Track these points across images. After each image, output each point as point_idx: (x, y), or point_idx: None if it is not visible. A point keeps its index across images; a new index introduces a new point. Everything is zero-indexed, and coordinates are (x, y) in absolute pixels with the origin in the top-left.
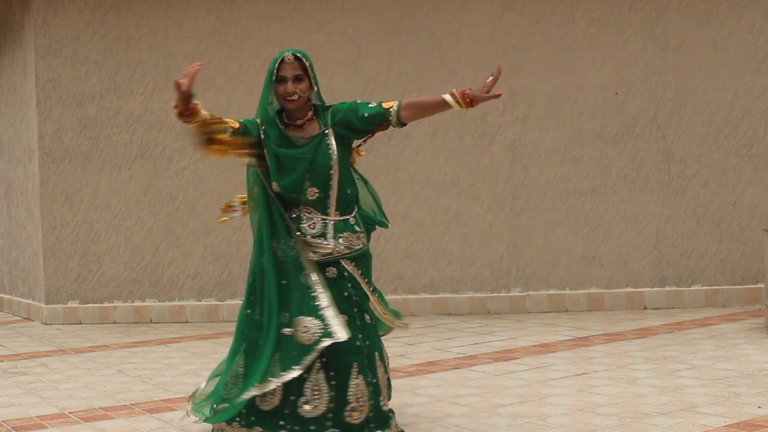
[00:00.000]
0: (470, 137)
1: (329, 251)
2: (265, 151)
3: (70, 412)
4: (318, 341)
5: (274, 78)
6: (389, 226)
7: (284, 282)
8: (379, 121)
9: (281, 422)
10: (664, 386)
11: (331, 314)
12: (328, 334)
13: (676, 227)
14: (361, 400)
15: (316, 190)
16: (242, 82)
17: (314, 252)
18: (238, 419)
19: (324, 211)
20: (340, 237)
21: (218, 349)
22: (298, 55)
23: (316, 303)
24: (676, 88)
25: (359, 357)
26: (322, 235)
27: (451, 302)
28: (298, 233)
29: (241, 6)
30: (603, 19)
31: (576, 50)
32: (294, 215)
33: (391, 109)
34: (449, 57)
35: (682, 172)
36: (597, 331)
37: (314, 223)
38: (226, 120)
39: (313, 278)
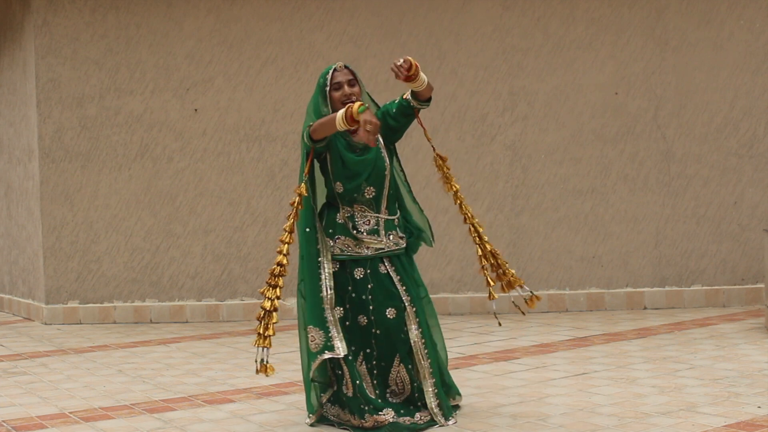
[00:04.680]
0: (470, 137)
1: (381, 246)
2: (329, 153)
3: (70, 412)
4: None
5: (328, 87)
6: (433, 245)
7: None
8: (407, 110)
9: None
10: (664, 386)
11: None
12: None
13: (676, 227)
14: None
15: (373, 190)
16: (242, 82)
17: (367, 248)
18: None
19: (377, 209)
20: (389, 234)
21: (218, 349)
22: (346, 64)
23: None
24: (676, 88)
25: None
26: (376, 232)
27: (451, 302)
28: (354, 231)
29: (241, 6)
30: (603, 19)
31: (576, 50)
32: (348, 214)
33: (404, 96)
34: (449, 57)
35: (682, 172)
36: (597, 331)
37: (368, 220)
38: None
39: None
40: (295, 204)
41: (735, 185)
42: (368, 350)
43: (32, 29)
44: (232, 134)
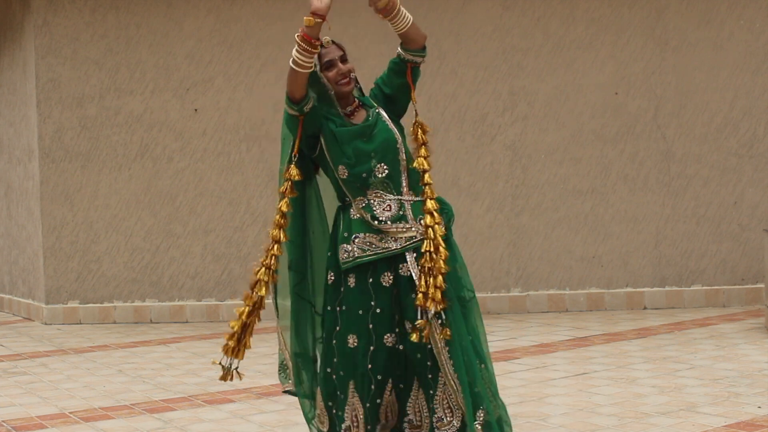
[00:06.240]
0: (470, 137)
1: (413, 234)
2: (322, 135)
3: (70, 412)
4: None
5: (318, 67)
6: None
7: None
8: (399, 68)
9: None
10: (664, 386)
11: None
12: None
13: (676, 227)
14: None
15: (385, 167)
16: (242, 82)
17: (395, 240)
18: None
19: (397, 191)
20: (420, 219)
21: (218, 349)
22: (333, 39)
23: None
24: (676, 88)
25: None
26: (403, 218)
27: None
28: (375, 222)
29: (241, 6)
30: (603, 19)
31: (576, 50)
32: (363, 204)
33: (398, 54)
34: (449, 57)
35: (682, 172)
36: (597, 331)
37: (389, 205)
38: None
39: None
40: (287, 190)
41: (735, 185)
42: (398, 373)
43: (32, 29)
44: (232, 134)
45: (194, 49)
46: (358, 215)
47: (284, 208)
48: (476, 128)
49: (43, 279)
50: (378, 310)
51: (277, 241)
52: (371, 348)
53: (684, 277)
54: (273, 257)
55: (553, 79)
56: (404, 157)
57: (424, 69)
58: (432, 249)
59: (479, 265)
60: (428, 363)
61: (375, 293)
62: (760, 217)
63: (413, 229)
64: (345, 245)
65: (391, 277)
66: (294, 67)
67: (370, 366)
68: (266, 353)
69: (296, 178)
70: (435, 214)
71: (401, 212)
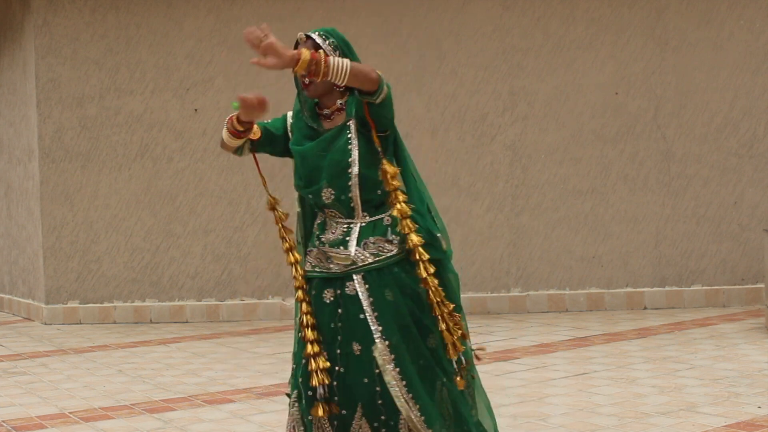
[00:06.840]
0: (470, 137)
1: (349, 261)
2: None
3: (70, 412)
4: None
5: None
6: (448, 250)
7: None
8: (360, 97)
9: None
10: (664, 386)
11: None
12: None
13: (676, 227)
14: None
15: (332, 192)
16: (242, 82)
17: (335, 264)
18: None
19: (348, 214)
20: (365, 242)
21: (218, 349)
22: (309, 33)
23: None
24: (676, 88)
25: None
26: (343, 242)
27: None
28: (317, 242)
29: (241, 6)
30: (603, 19)
31: (576, 50)
32: (319, 221)
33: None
34: (449, 57)
35: (682, 172)
36: (597, 331)
37: (335, 228)
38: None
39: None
40: (278, 219)
41: (735, 185)
42: (336, 397)
43: (32, 29)
44: None
45: (194, 49)
46: (316, 229)
47: (283, 235)
48: (476, 128)
49: (43, 279)
50: (320, 328)
51: (295, 263)
52: (303, 362)
53: (684, 277)
54: (301, 278)
55: (553, 79)
56: (358, 183)
57: (425, 69)
58: (432, 288)
59: (479, 265)
60: (377, 389)
61: (316, 309)
62: (760, 217)
63: (352, 255)
64: (307, 256)
65: (333, 295)
66: (227, 140)
67: (301, 380)
68: (266, 353)
69: (279, 205)
70: (424, 262)
71: (344, 237)
